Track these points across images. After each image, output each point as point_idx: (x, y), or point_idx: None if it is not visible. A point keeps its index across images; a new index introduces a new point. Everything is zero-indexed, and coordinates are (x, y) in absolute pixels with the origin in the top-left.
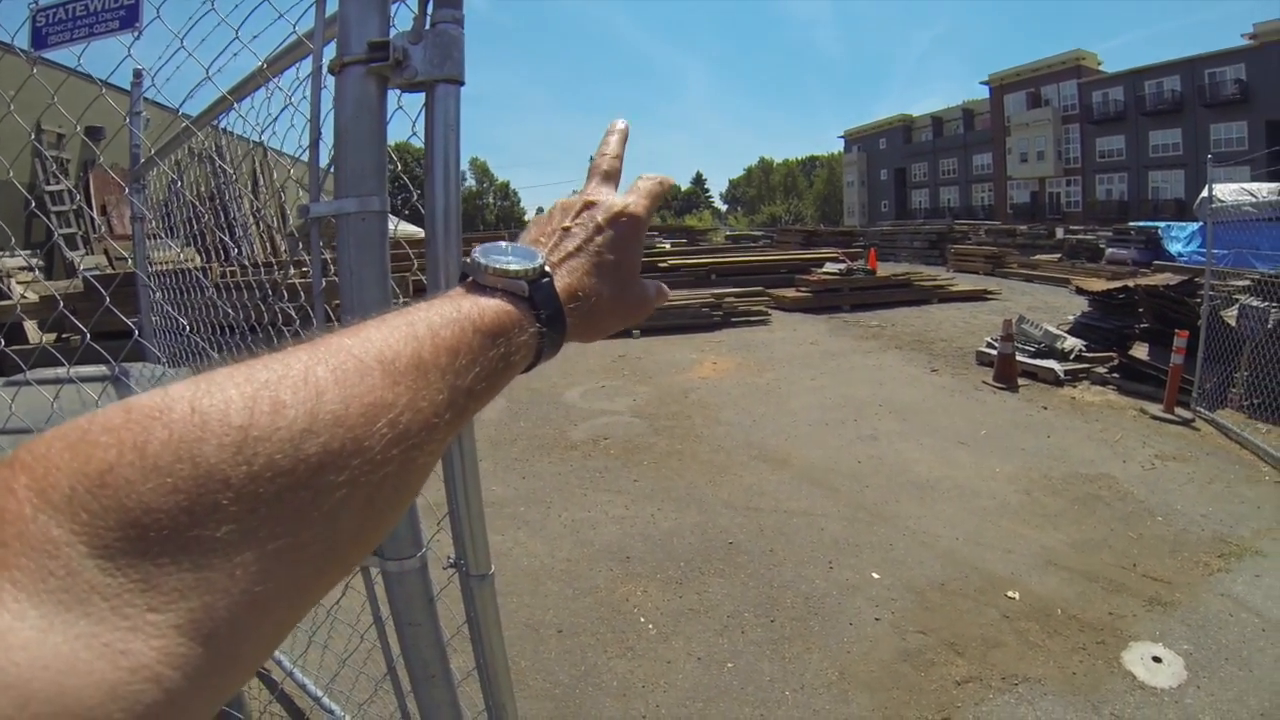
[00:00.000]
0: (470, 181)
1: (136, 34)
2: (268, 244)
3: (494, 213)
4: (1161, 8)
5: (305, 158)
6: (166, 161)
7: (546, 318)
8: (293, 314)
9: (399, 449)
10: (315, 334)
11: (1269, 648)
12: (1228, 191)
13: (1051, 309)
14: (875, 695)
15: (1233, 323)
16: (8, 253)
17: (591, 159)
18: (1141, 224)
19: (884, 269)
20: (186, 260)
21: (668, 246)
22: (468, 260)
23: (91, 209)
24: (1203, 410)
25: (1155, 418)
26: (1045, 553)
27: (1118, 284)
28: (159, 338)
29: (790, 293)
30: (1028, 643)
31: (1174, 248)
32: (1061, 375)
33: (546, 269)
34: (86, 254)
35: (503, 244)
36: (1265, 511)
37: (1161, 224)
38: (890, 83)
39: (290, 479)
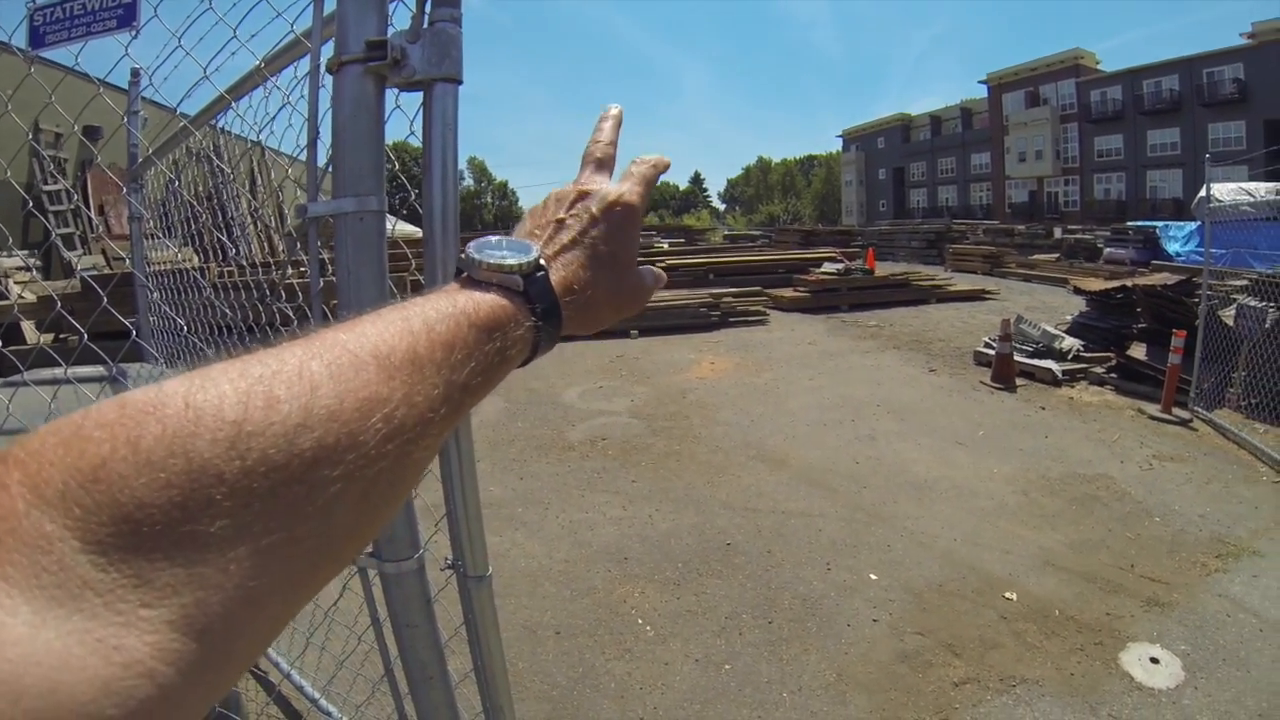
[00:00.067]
0: (468, 181)
1: (134, 33)
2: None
3: (492, 212)
4: (1160, 7)
5: (303, 157)
6: (164, 161)
7: (542, 312)
8: (290, 314)
9: (394, 444)
10: (310, 329)
11: (1267, 648)
12: (1226, 191)
13: (1049, 309)
14: (873, 696)
15: (1230, 322)
16: (5, 252)
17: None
18: (1139, 223)
19: (882, 269)
20: (184, 260)
21: (665, 246)
22: (462, 255)
23: (89, 209)
24: (1200, 410)
25: (1153, 418)
26: (1043, 553)
27: (1116, 284)
28: (157, 338)
29: (788, 293)
30: (1025, 644)
31: (1172, 247)
32: (1059, 375)
33: (541, 263)
34: (84, 254)
35: (497, 238)
36: (1263, 512)
37: (1159, 223)
38: (889, 82)
39: (284, 474)
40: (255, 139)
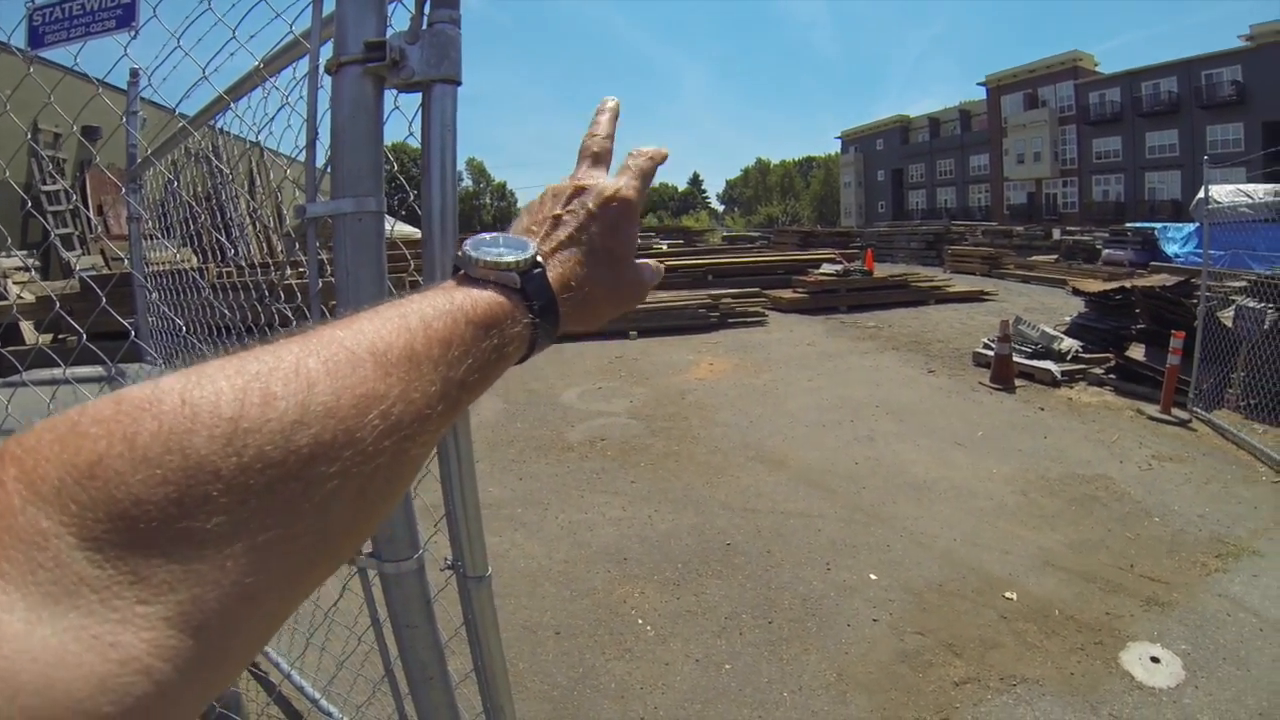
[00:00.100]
0: (467, 182)
1: (133, 33)
2: (264, 244)
3: (491, 213)
4: (1158, 9)
5: (302, 158)
6: (163, 161)
7: (539, 309)
8: (289, 315)
9: (391, 440)
10: (308, 326)
11: (1266, 647)
12: (1224, 193)
13: (1048, 310)
14: (873, 696)
15: (1229, 323)
16: (4, 253)
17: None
18: (1138, 225)
19: (881, 270)
20: (183, 260)
21: (664, 247)
22: (459, 253)
23: (88, 209)
24: (1199, 411)
25: (1152, 418)
26: (1043, 553)
27: (1114, 285)
28: (155, 338)
29: (787, 294)
30: (1026, 643)
31: (1170, 249)
32: (1058, 376)
33: (538, 259)
34: (83, 254)
35: (494, 235)
36: (1262, 511)
37: (1158, 225)
38: (887, 84)
39: (281, 470)
40: (254, 140)
